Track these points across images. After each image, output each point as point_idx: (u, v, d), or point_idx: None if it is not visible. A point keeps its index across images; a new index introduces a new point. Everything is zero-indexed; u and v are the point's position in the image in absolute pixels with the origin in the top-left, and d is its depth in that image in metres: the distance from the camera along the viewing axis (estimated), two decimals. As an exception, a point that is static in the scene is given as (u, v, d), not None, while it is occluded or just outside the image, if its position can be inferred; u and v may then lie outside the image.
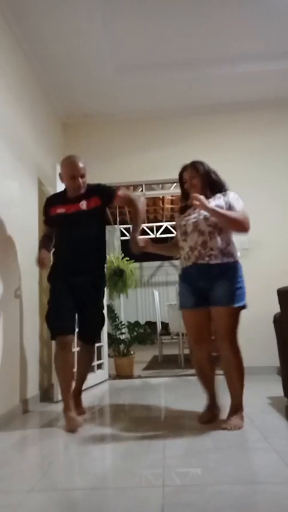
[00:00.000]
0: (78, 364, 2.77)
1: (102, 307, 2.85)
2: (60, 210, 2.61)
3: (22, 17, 2.93)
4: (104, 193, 2.60)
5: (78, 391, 2.69)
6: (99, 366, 3.93)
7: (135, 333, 4.38)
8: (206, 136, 4.18)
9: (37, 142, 3.47)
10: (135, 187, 4.51)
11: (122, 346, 4.31)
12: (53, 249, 2.72)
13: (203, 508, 1.36)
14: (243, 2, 2.95)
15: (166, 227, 8.76)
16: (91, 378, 3.67)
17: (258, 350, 3.59)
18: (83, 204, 2.56)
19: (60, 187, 3.43)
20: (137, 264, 5.76)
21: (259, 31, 3.27)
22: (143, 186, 4.46)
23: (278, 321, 2.54)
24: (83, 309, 2.59)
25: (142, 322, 4.55)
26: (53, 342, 2.67)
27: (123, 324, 4.48)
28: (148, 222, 8.73)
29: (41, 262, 2.62)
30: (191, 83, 3.87)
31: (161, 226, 8.82)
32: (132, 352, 4.32)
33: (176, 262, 6.75)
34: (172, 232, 8.18)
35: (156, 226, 8.94)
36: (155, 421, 2.46)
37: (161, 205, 8.05)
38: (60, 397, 3.11)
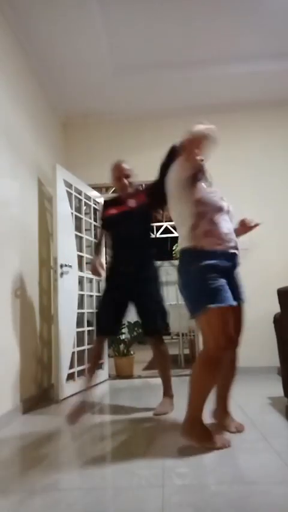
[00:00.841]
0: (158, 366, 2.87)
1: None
2: (112, 211, 2.77)
3: (22, 17, 2.93)
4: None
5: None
6: (99, 366, 3.93)
7: (135, 333, 4.38)
8: (206, 136, 4.17)
9: (37, 142, 3.47)
10: (135, 187, 4.52)
11: (122, 346, 4.31)
12: (110, 252, 2.89)
13: (202, 508, 1.36)
14: (242, 2, 2.95)
15: (166, 227, 8.75)
16: (91, 378, 3.67)
17: (258, 350, 3.59)
18: (132, 203, 2.73)
19: (61, 187, 3.45)
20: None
21: (258, 31, 3.27)
22: (143, 186, 4.45)
23: (278, 321, 2.54)
24: (141, 303, 2.69)
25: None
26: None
27: (123, 324, 4.48)
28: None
29: (95, 270, 2.85)
30: (190, 83, 3.87)
31: (161, 226, 8.82)
32: (132, 352, 4.32)
33: (176, 262, 6.70)
34: (172, 232, 8.14)
35: (157, 227, 8.93)
36: (155, 421, 2.45)
37: (161, 205, 8.03)
38: (60, 397, 3.12)
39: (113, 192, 2.87)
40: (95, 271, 2.87)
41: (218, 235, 1.91)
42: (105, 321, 2.72)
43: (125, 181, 2.76)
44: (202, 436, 1.90)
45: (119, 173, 2.77)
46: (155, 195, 2.56)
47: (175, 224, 2.06)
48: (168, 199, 2.06)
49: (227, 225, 1.98)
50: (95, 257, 2.96)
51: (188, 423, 1.91)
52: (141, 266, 2.68)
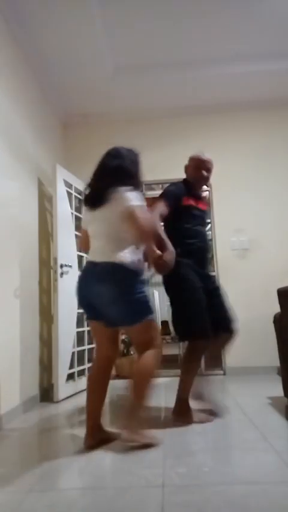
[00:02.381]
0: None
1: None
2: (193, 203, 2.63)
3: (22, 17, 2.93)
4: None
5: None
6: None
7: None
8: (205, 137, 4.18)
9: (37, 142, 3.47)
10: (135, 187, 4.53)
11: (122, 346, 4.31)
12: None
13: (202, 508, 1.36)
14: (242, 2, 2.95)
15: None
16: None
17: (258, 350, 3.59)
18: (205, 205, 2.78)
19: (61, 187, 3.45)
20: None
21: (258, 31, 3.27)
22: (143, 186, 4.45)
23: (278, 321, 2.54)
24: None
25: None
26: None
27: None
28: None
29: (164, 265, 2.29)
30: (190, 83, 3.87)
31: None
32: (132, 352, 4.32)
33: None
34: None
35: None
36: (155, 421, 2.45)
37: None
38: (60, 397, 3.12)
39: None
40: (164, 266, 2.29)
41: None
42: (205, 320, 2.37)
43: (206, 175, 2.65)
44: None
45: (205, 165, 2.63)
46: None
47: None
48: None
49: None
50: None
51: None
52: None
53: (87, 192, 2.18)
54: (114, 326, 2.10)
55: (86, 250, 2.25)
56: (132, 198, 1.99)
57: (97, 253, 2.07)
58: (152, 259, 2.22)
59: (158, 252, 2.23)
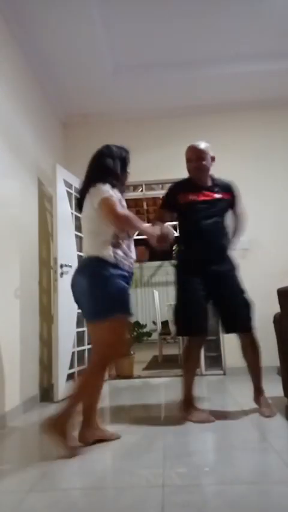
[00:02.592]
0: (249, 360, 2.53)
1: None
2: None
3: (21, 17, 2.93)
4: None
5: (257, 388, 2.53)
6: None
7: (135, 333, 4.38)
8: (205, 137, 4.15)
9: (37, 142, 3.47)
10: (135, 187, 4.51)
11: (122, 346, 4.31)
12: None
13: (202, 508, 1.36)
14: (242, 2, 2.95)
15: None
16: (91, 378, 3.67)
17: (258, 350, 3.58)
18: (219, 194, 2.59)
19: (61, 187, 3.45)
20: (137, 264, 5.75)
21: (257, 31, 3.27)
22: (143, 186, 4.46)
23: (278, 321, 2.53)
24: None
25: (142, 322, 4.54)
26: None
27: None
28: (148, 223, 8.70)
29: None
30: (190, 82, 3.87)
31: None
32: (132, 352, 4.32)
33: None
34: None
35: None
36: (155, 421, 2.45)
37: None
38: (60, 397, 3.12)
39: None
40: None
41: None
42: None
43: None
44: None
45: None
46: None
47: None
48: None
49: None
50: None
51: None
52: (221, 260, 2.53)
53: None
54: (87, 321, 2.14)
55: None
56: (104, 190, 2.02)
57: (83, 250, 2.16)
58: (152, 237, 2.14)
59: (154, 230, 2.17)
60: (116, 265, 1.99)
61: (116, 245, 2.03)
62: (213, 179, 2.64)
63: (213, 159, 2.60)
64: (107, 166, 2.15)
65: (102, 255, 1.99)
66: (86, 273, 2.02)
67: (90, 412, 2.06)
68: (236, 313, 2.46)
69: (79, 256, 3.69)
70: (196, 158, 2.54)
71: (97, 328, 2.03)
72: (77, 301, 2.12)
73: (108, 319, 1.94)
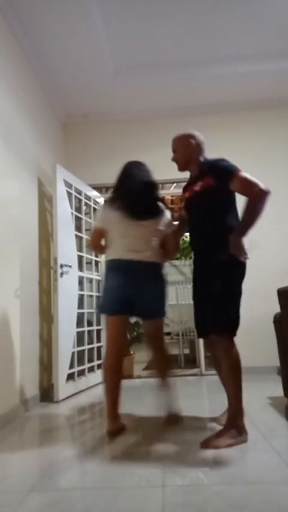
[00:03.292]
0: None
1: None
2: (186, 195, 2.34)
3: (22, 17, 2.93)
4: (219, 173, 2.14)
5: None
6: (99, 366, 3.93)
7: (135, 333, 4.38)
8: (205, 136, 4.16)
9: (37, 142, 3.47)
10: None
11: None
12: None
13: (203, 508, 1.36)
14: (242, 2, 2.96)
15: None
16: (91, 378, 3.67)
17: (258, 350, 3.59)
18: (198, 186, 2.20)
19: (61, 187, 3.45)
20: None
21: (257, 31, 3.27)
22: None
23: (278, 321, 2.54)
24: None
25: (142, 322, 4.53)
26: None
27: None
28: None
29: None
30: (190, 83, 3.87)
31: None
32: (132, 352, 4.32)
33: (176, 262, 6.72)
34: None
35: None
36: (154, 421, 2.45)
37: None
38: (60, 397, 3.12)
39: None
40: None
41: None
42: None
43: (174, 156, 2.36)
44: None
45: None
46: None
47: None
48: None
49: None
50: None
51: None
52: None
53: (128, 199, 2.33)
54: (152, 318, 2.40)
55: (98, 247, 2.45)
56: (169, 217, 2.43)
57: (137, 254, 2.28)
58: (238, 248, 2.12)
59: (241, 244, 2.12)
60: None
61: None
62: (201, 167, 2.23)
63: (193, 145, 2.29)
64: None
65: (162, 262, 2.41)
66: (158, 275, 2.37)
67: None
68: (207, 315, 2.16)
69: (79, 257, 3.69)
70: (172, 151, 2.36)
71: (161, 323, 2.44)
72: (133, 299, 2.23)
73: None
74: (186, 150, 2.30)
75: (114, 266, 2.31)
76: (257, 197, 2.10)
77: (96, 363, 3.83)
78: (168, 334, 5.74)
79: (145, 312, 2.36)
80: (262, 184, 2.10)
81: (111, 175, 4.23)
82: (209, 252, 2.17)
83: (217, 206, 2.14)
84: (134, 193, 2.33)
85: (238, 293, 2.17)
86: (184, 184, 2.42)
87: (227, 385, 2.11)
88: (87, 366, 3.64)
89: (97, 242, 2.43)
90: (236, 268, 2.18)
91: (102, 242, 2.43)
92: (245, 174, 2.13)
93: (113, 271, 2.30)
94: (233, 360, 2.06)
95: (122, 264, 2.27)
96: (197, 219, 2.25)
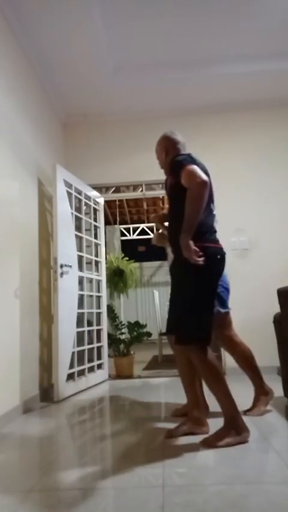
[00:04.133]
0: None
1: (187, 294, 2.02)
2: None
3: (22, 17, 2.93)
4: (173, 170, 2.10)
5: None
6: (99, 366, 3.94)
7: (135, 333, 4.38)
8: (205, 136, 4.18)
9: (37, 142, 3.47)
10: (135, 187, 4.51)
11: (121, 346, 4.31)
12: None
13: (203, 508, 1.36)
14: (242, 2, 2.96)
15: (166, 227, 8.75)
16: (91, 378, 3.67)
17: (258, 350, 3.58)
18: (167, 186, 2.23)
19: (61, 187, 3.45)
20: (136, 264, 5.75)
21: (258, 31, 3.27)
22: (143, 186, 4.46)
23: (278, 321, 2.54)
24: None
25: (142, 322, 4.53)
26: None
27: (123, 324, 4.48)
28: (148, 223, 8.71)
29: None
30: (190, 83, 3.88)
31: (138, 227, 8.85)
32: (132, 352, 4.32)
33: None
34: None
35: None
36: (154, 421, 2.45)
37: (161, 205, 8.05)
38: (60, 397, 3.12)
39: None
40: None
41: None
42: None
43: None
44: None
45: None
46: None
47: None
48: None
49: None
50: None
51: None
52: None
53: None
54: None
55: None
56: None
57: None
58: None
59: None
60: None
61: None
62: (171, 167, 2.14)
63: (165, 149, 2.33)
64: None
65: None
66: None
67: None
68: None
69: (79, 257, 3.69)
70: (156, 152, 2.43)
71: None
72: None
73: None
74: (160, 156, 2.40)
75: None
76: (196, 187, 1.92)
77: (96, 362, 3.84)
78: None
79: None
80: (204, 176, 1.94)
81: (111, 175, 4.26)
82: (175, 254, 2.09)
83: (182, 205, 1.96)
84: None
85: (202, 301, 1.98)
86: None
87: (212, 392, 2.01)
88: (87, 365, 3.65)
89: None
90: (198, 273, 1.95)
91: None
92: (192, 166, 1.97)
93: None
94: (208, 369, 1.97)
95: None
96: (169, 220, 2.26)
